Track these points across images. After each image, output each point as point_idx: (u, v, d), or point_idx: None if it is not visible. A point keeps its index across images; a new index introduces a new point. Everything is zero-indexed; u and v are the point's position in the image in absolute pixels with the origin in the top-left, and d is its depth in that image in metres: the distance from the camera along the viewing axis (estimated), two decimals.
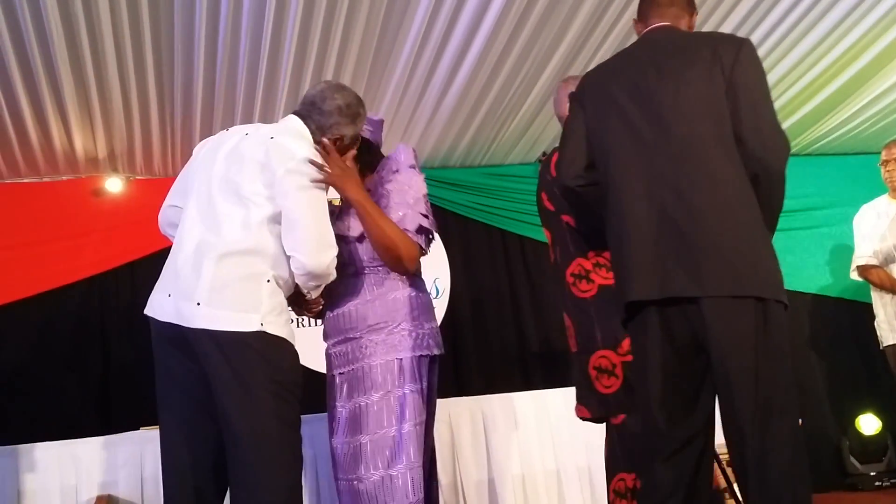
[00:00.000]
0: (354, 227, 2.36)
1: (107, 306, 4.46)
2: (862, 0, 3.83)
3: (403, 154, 2.44)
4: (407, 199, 2.35)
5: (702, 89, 1.98)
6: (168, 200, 2.31)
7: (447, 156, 4.98)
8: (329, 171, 2.20)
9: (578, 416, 2.50)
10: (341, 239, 2.32)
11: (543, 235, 2.64)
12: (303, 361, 2.16)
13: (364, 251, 2.36)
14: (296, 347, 2.13)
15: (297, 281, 2.15)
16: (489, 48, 3.82)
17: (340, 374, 2.35)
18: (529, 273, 5.18)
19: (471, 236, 5.15)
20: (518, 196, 5.13)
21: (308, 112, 2.29)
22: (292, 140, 2.18)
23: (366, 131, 2.48)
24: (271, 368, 2.03)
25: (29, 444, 3.28)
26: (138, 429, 3.47)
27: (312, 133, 2.27)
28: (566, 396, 3.84)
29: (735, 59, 1.96)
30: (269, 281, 2.07)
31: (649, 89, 2.04)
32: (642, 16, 2.24)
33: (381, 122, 2.60)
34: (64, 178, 4.52)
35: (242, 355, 2.01)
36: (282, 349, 2.07)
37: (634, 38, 3.87)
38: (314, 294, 2.24)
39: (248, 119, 4.03)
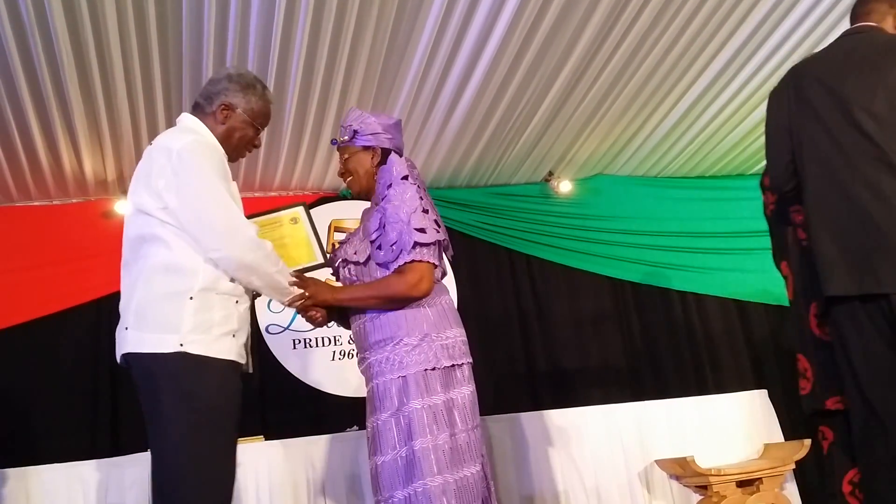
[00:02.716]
0: (361, 252, 2.35)
1: (116, 328, 4.46)
2: None
3: (396, 166, 2.36)
4: (401, 216, 2.26)
5: None
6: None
7: (453, 176, 5.00)
8: (308, 294, 2.22)
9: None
10: (350, 262, 2.35)
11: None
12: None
13: (370, 272, 2.33)
14: (229, 364, 1.99)
15: (237, 279, 2.01)
16: (495, 68, 3.85)
17: (366, 393, 2.34)
18: (536, 292, 5.16)
19: (477, 256, 5.14)
20: (524, 215, 5.14)
21: (201, 93, 2.21)
22: (169, 137, 2.07)
23: (384, 140, 2.42)
24: (188, 398, 1.89)
25: (36, 466, 3.27)
26: (146, 450, 3.46)
27: (202, 108, 2.17)
28: (574, 417, 3.82)
29: None
30: (192, 298, 1.95)
31: (844, 90, 2.08)
32: (851, 17, 2.29)
33: (399, 122, 2.52)
34: (74, 200, 4.56)
35: (155, 388, 1.90)
36: (204, 371, 1.93)
37: (635, 62, 3.97)
38: (270, 291, 2.12)
39: None
